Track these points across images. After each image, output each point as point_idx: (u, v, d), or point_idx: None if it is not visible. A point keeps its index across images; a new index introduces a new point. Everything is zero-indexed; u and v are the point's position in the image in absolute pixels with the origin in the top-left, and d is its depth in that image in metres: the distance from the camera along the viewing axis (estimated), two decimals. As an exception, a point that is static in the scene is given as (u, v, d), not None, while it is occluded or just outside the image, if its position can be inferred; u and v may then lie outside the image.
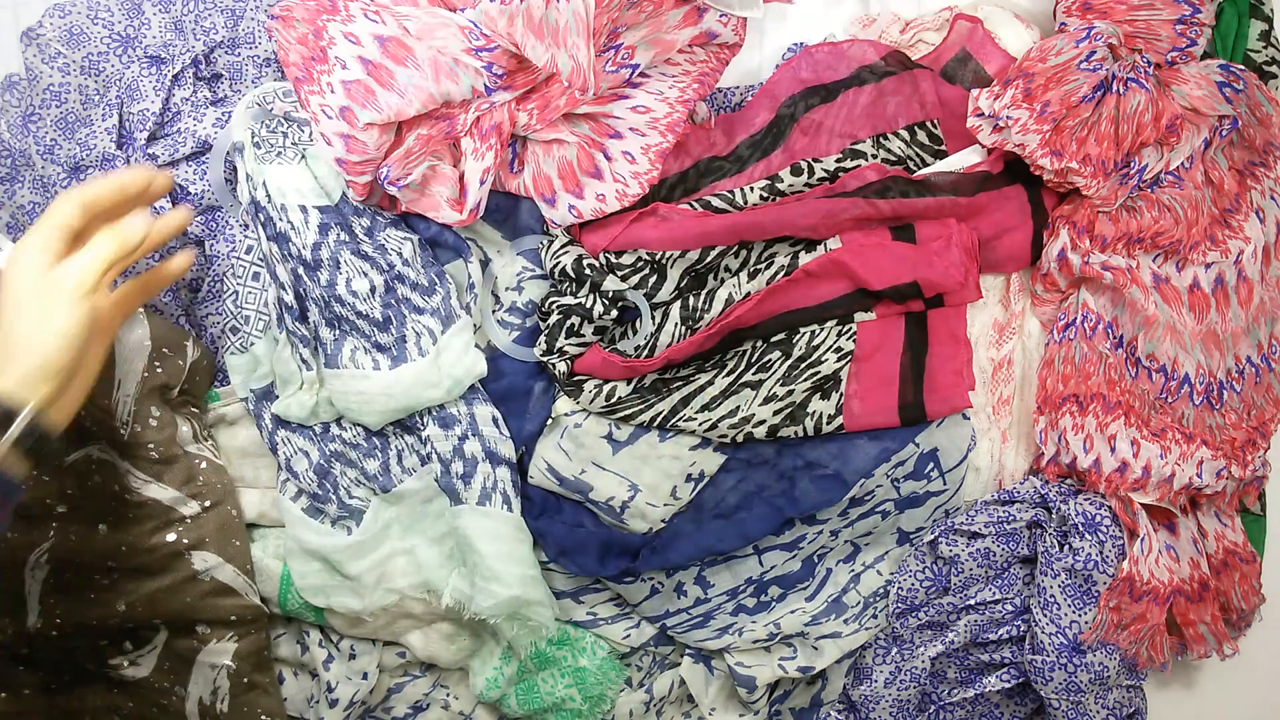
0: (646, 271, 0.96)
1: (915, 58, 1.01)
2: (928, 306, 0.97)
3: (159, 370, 0.95)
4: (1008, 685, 1.00)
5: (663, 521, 1.00)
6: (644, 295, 0.96)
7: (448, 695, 1.07)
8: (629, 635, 1.03)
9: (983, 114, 0.95)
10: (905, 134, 0.99)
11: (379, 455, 0.99)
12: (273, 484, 1.03)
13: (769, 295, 0.95)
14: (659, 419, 0.96)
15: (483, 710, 1.07)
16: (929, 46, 1.02)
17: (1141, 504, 0.97)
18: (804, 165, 0.98)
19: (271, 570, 1.00)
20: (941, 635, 1.00)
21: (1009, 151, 0.95)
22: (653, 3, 0.89)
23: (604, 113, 0.94)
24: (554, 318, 0.95)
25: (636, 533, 1.00)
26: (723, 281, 0.97)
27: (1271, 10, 0.98)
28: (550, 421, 0.99)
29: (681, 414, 0.96)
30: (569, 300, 0.94)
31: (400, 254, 0.94)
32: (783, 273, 0.96)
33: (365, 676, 1.03)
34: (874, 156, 0.98)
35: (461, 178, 0.93)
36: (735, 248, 0.97)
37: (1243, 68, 0.94)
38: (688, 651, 1.05)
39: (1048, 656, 0.96)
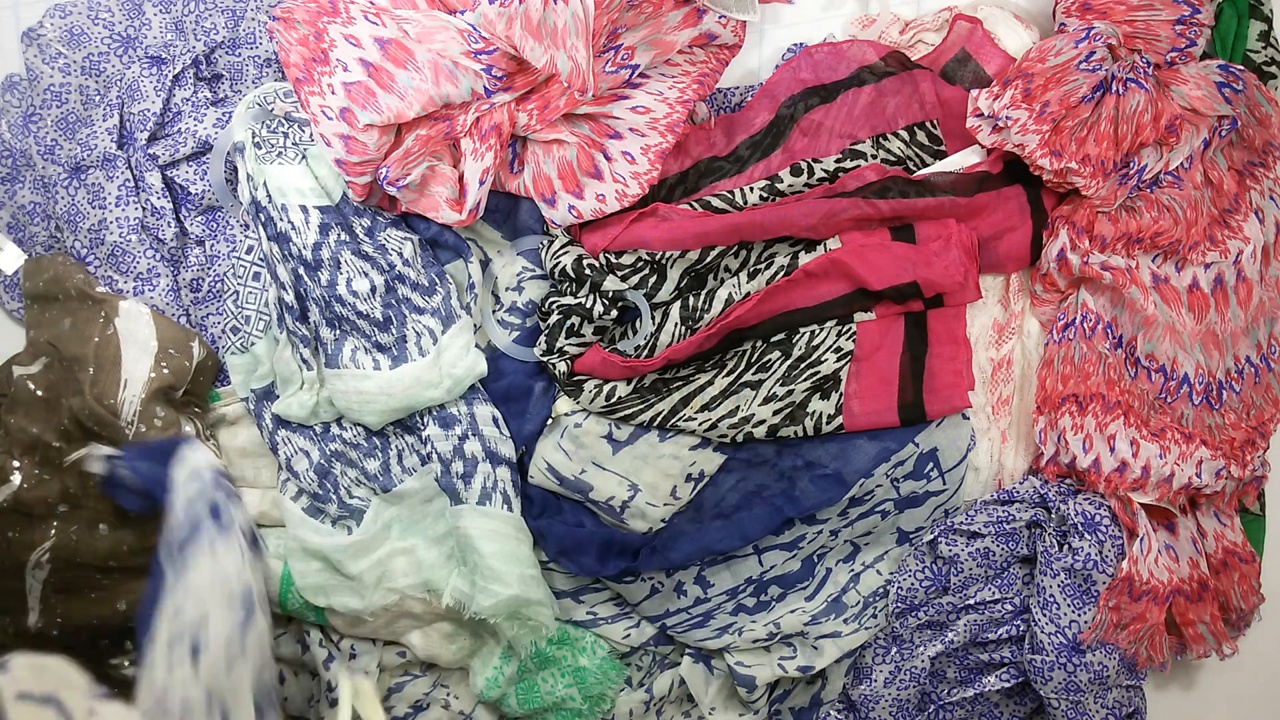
0: (646, 271, 0.96)
1: (915, 58, 1.01)
2: (927, 306, 0.97)
3: (165, 371, 0.95)
4: (1007, 685, 1.00)
5: (663, 521, 1.00)
6: (644, 295, 0.96)
7: (448, 695, 1.07)
8: (629, 635, 1.03)
9: (982, 114, 0.95)
10: (905, 134, 0.99)
11: (379, 455, 0.99)
12: (273, 484, 1.03)
13: (769, 295, 0.95)
14: (659, 419, 0.96)
15: (483, 710, 1.08)
16: (928, 47, 1.02)
17: (1141, 504, 0.97)
18: (804, 165, 0.98)
19: (272, 570, 1.00)
20: (941, 635, 1.00)
21: (1008, 152, 0.95)
22: (652, 4, 0.89)
23: (604, 113, 0.94)
24: (554, 318, 0.95)
25: (637, 532, 1.00)
26: (723, 281, 0.98)
27: (1271, 10, 0.98)
28: (550, 421, 0.99)
29: (681, 414, 0.96)
30: (569, 300, 0.94)
31: (400, 254, 0.94)
32: (782, 273, 0.96)
33: (365, 676, 1.03)
34: (874, 157, 0.98)
35: (461, 178, 0.93)
36: (735, 248, 0.97)
37: (1242, 68, 0.94)
38: (688, 651, 1.05)
39: (1047, 656, 0.96)
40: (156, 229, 0.98)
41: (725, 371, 0.98)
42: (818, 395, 0.97)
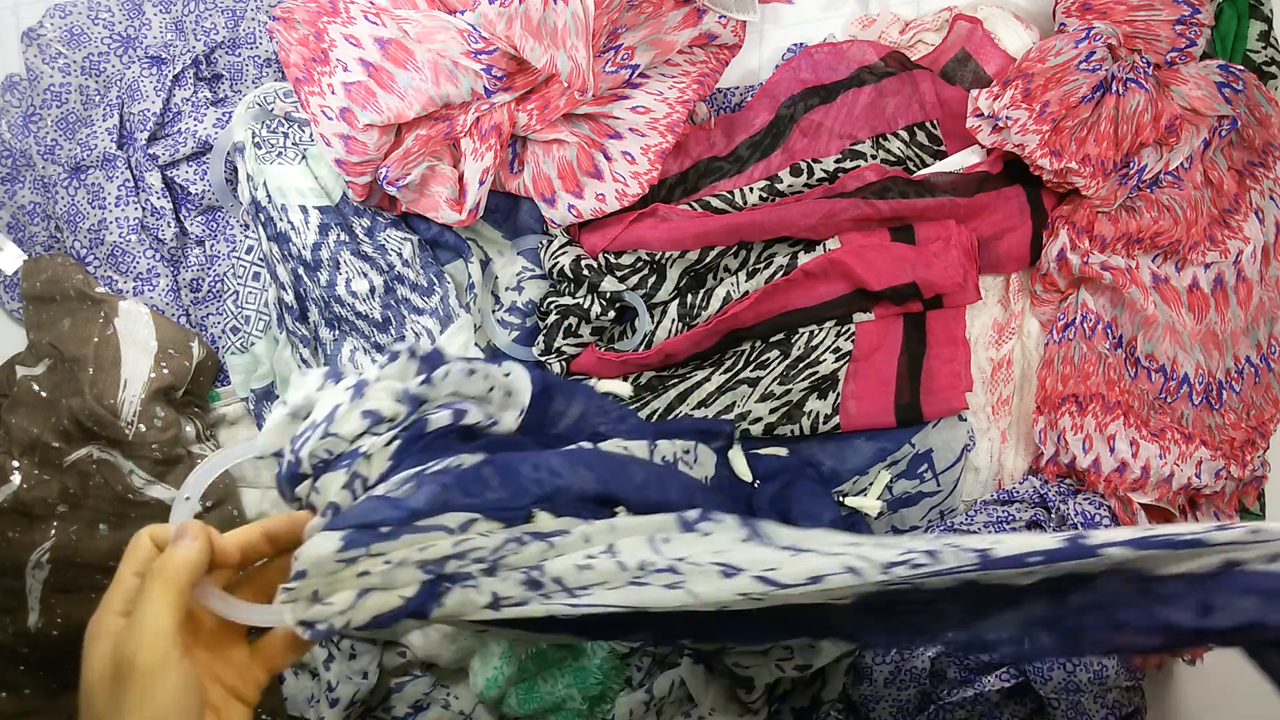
0: (646, 272, 0.96)
1: (915, 58, 1.01)
2: (926, 307, 0.97)
3: (165, 371, 0.96)
4: (1007, 685, 1.00)
5: (662, 521, 1.00)
6: (643, 296, 0.96)
7: (448, 695, 1.07)
8: (628, 635, 1.03)
9: (982, 114, 0.95)
10: (904, 134, 0.99)
11: (379, 455, 0.99)
12: (273, 484, 1.03)
13: (767, 295, 0.95)
14: (655, 416, 0.96)
15: (483, 710, 1.08)
16: (928, 47, 1.02)
17: (1140, 504, 0.96)
18: (803, 166, 0.98)
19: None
20: (941, 635, 1.00)
21: (1008, 152, 0.95)
22: (652, 4, 0.89)
23: (604, 113, 0.94)
24: (552, 318, 0.95)
25: (636, 532, 1.00)
26: (721, 281, 0.98)
27: (1271, 10, 0.98)
28: (550, 421, 0.99)
29: (678, 411, 0.96)
30: (567, 300, 0.94)
31: (400, 254, 0.95)
32: (781, 273, 0.96)
33: (365, 676, 1.03)
34: (873, 157, 0.98)
35: (461, 178, 0.93)
36: (734, 248, 0.97)
37: (1242, 68, 0.94)
38: (687, 652, 1.05)
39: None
40: (156, 229, 0.98)
41: (723, 369, 0.98)
42: (815, 395, 0.97)
